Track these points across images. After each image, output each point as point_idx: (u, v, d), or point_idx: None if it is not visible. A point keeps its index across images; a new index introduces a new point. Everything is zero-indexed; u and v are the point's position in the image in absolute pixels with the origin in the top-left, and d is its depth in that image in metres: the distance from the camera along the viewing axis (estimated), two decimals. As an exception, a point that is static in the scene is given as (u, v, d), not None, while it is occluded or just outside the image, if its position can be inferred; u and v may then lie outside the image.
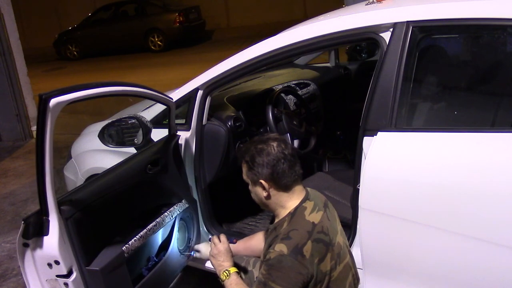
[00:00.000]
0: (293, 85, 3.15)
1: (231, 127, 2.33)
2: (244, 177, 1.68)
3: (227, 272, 1.69)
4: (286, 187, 1.60)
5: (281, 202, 1.62)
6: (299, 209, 1.59)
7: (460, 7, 1.64)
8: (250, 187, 1.68)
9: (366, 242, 1.76)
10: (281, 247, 1.49)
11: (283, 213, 1.63)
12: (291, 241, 1.50)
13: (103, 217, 1.82)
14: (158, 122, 2.42)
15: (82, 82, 1.71)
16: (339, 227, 1.68)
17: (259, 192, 1.64)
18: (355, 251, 1.83)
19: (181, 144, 2.26)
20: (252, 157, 1.61)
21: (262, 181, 1.59)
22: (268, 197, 1.62)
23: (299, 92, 3.09)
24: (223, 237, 1.82)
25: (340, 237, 1.63)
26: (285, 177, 1.59)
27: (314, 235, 1.52)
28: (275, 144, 1.61)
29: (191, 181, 2.31)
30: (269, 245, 1.59)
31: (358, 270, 1.81)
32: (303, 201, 1.61)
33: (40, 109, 1.46)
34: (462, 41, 1.89)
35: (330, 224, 1.60)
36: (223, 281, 1.69)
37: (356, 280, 1.69)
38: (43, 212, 1.58)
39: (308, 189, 1.69)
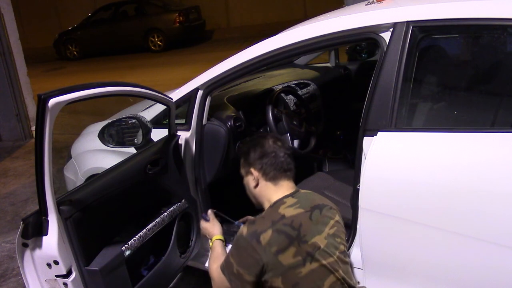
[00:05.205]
0: (293, 85, 3.15)
1: (231, 127, 2.33)
2: (241, 170, 1.80)
3: (210, 241, 1.91)
4: (274, 179, 1.70)
5: (267, 195, 1.71)
6: (278, 202, 1.66)
7: (460, 7, 1.64)
8: (244, 180, 1.79)
9: (366, 242, 1.75)
10: (243, 229, 1.61)
11: (266, 206, 1.71)
12: (253, 226, 1.59)
13: (103, 217, 1.81)
14: (158, 122, 2.42)
15: (82, 82, 1.71)
16: (329, 231, 1.63)
17: (249, 182, 1.75)
18: (355, 251, 1.83)
19: (181, 144, 2.26)
20: (248, 148, 1.76)
21: (252, 170, 1.72)
22: (256, 186, 1.72)
23: (299, 92, 3.09)
24: (210, 215, 2.04)
25: (322, 240, 1.59)
26: (274, 169, 1.70)
27: (277, 225, 1.56)
28: (271, 140, 1.75)
29: (191, 181, 2.31)
30: None
31: (358, 270, 1.81)
32: (286, 196, 1.67)
33: (39, 109, 1.46)
34: (462, 41, 1.89)
35: (309, 223, 1.59)
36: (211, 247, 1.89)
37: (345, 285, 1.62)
38: (42, 212, 1.58)
39: (303, 191, 1.72)
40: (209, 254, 1.90)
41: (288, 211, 1.61)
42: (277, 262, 1.54)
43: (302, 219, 1.59)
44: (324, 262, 1.58)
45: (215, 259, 1.78)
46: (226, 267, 1.64)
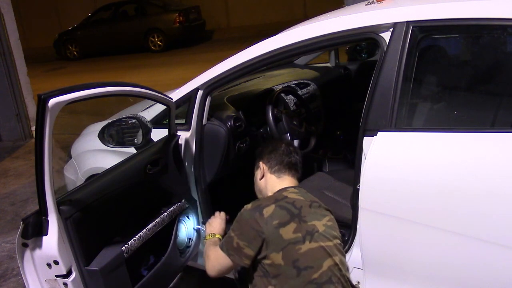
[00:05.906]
0: (293, 85, 3.15)
1: (231, 127, 2.33)
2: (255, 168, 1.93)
3: (212, 234, 1.95)
4: (278, 172, 1.83)
5: (271, 186, 1.82)
6: (281, 189, 1.77)
7: (460, 7, 1.64)
8: (254, 176, 1.91)
9: (366, 242, 1.75)
10: (247, 205, 1.71)
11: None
12: (257, 202, 1.71)
13: (103, 217, 1.82)
14: (158, 122, 2.42)
15: (82, 82, 1.71)
16: (327, 222, 1.71)
17: (257, 175, 1.89)
18: (355, 251, 1.83)
19: (181, 144, 2.26)
20: (263, 147, 1.92)
21: (260, 163, 1.88)
22: (262, 178, 1.86)
23: (299, 92, 3.09)
24: (223, 214, 2.09)
25: (320, 225, 1.67)
26: (279, 163, 1.83)
27: (280, 202, 1.67)
28: (285, 144, 1.91)
29: (191, 181, 2.31)
30: None
31: (358, 270, 1.81)
32: (288, 187, 1.78)
33: (39, 109, 1.46)
34: (462, 41, 1.89)
35: (308, 209, 1.69)
36: (206, 240, 1.94)
37: (344, 278, 1.68)
38: (43, 212, 1.58)
39: (304, 189, 1.81)
40: (206, 243, 1.92)
41: (290, 195, 1.72)
42: (278, 236, 1.60)
43: (303, 204, 1.69)
44: (322, 244, 1.64)
45: (215, 245, 1.82)
46: (225, 243, 1.71)
